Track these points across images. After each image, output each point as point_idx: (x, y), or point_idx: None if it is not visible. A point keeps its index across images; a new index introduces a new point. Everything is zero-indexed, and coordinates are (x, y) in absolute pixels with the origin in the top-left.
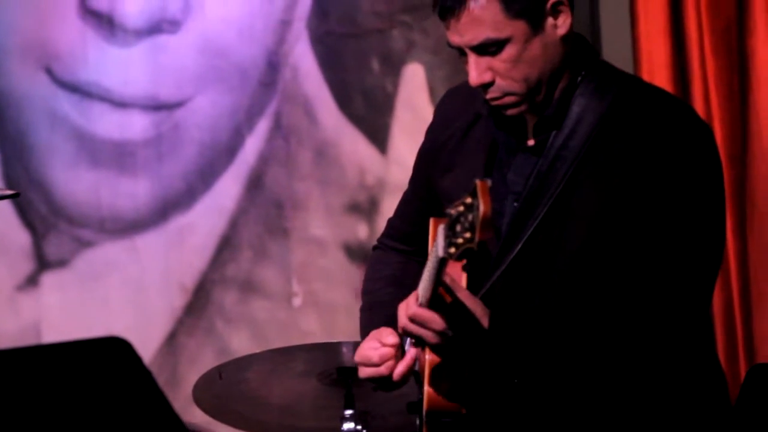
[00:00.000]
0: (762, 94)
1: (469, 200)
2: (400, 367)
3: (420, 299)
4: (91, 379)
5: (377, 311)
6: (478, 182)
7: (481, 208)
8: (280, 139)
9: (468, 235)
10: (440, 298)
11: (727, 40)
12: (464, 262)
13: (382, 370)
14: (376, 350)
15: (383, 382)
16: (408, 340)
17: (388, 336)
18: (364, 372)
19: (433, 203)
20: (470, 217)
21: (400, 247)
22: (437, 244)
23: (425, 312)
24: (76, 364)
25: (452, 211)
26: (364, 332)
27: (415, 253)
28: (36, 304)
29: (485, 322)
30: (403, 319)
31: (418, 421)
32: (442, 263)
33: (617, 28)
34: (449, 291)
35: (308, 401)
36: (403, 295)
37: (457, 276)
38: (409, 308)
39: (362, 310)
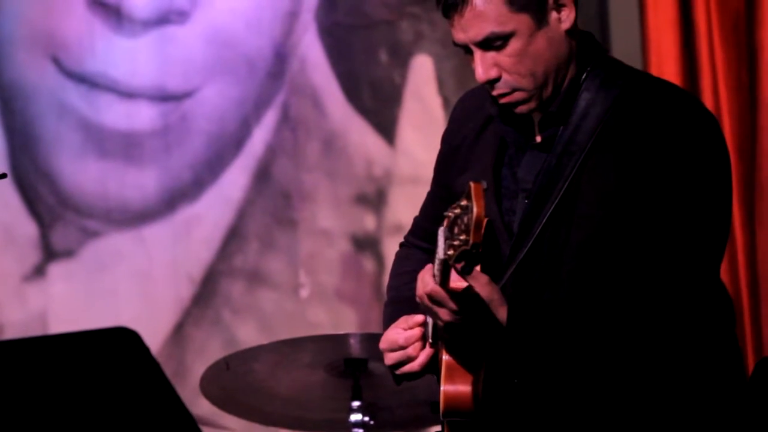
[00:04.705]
0: None
1: (464, 202)
2: (422, 357)
3: (435, 278)
4: (99, 370)
5: (400, 307)
6: (472, 184)
7: (475, 210)
8: (287, 130)
9: (464, 237)
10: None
11: (736, 33)
12: (463, 263)
13: (410, 351)
14: (401, 333)
15: (407, 369)
16: (428, 337)
17: (414, 318)
18: (390, 358)
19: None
20: (465, 219)
21: (424, 245)
22: (438, 245)
23: (441, 291)
24: (83, 355)
25: (450, 214)
26: (387, 326)
27: None
28: (43, 294)
29: (503, 312)
30: (420, 290)
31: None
32: (445, 265)
33: (626, 19)
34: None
35: (316, 392)
36: None
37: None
38: (426, 285)
39: (386, 305)
